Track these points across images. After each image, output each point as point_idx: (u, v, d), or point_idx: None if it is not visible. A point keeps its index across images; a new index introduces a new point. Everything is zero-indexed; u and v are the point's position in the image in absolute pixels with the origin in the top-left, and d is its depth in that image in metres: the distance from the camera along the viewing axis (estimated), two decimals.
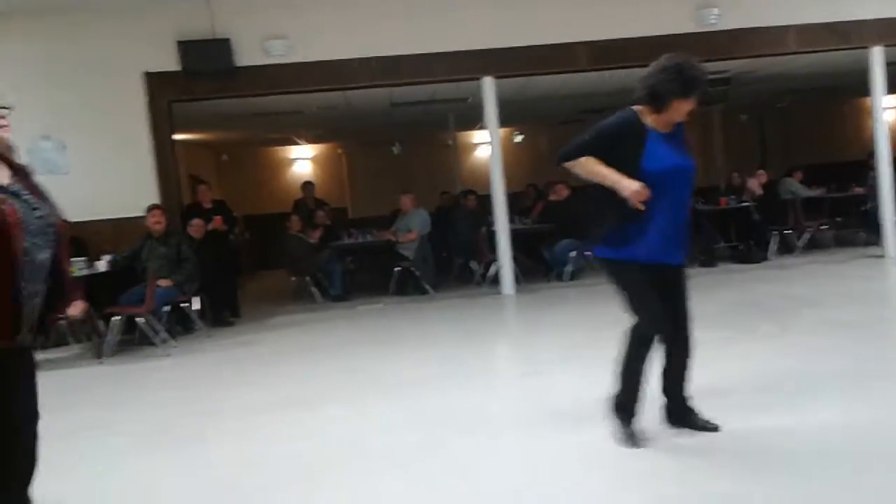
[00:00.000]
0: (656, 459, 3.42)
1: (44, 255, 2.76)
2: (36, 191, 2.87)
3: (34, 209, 2.77)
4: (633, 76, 11.19)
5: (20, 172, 2.88)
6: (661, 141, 3.45)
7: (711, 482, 3.13)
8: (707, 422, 3.72)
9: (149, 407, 5.23)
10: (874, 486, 2.98)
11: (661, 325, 3.51)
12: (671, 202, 3.40)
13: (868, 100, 10.23)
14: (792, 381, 4.41)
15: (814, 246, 10.72)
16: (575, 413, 4.19)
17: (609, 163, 3.40)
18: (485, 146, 13.91)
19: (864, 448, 3.35)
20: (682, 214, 3.50)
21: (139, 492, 3.59)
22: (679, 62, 3.41)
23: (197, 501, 3.41)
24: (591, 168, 3.44)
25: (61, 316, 3.21)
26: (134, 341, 7.41)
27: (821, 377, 4.44)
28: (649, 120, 3.48)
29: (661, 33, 9.15)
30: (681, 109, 3.42)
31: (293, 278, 10.64)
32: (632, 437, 3.59)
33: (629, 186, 3.29)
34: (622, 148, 3.41)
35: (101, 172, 8.67)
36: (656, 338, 3.52)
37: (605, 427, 3.90)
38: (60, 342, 7.86)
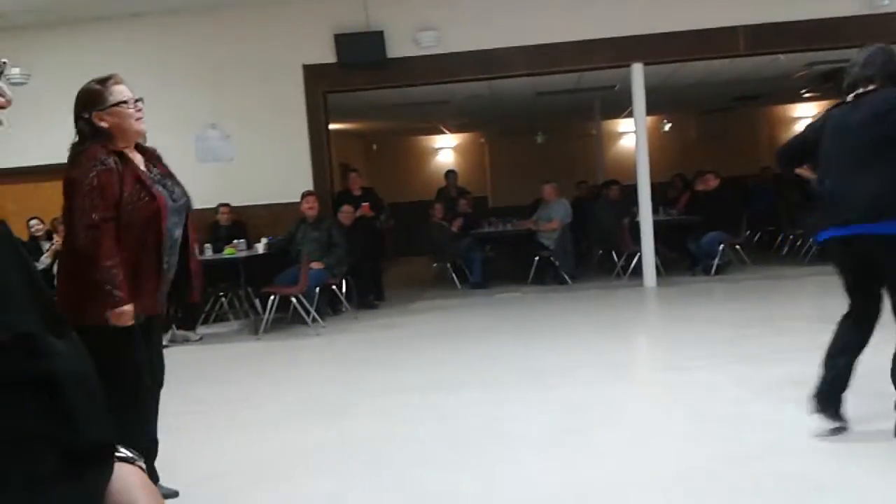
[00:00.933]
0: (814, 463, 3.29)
1: (178, 233, 3.18)
2: (169, 174, 3.25)
3: (171, 192, 3.17)
4: (794, 61, 10.62)
5: (153, 158, 3.24)
6: None
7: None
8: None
9: (300, 382, 5.57)
10: None
11: None
12: None
13: None
14: None
15: None
16: (715, 413, 4.10)
17: None
18: (630, 135, 13.64)
19: None
20: None
21: (289, 460, 3.83)
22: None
23: (341, 473, 3.60)
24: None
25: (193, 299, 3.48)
26: (287, 320, 7.85)
27: None
28: None
29: (829, 16, 8.63)
30: None
31: (434, 265, 10.89)
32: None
33: None
34: None
35: (261, 160, 9.22)
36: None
37: (743, 424, 3.80)
38: (222, 318, 8.47)
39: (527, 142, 16.11)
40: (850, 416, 3.57)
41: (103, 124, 3.01)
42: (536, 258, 9.88)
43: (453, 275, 10.23)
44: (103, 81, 3.05)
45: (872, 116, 3.34)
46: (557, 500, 3.10)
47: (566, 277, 9.73)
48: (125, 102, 3.04)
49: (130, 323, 2.98)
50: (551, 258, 9.80)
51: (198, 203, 9.62)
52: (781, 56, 9.59)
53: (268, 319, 7.53)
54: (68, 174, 2.99)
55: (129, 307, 2.96)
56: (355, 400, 4.90)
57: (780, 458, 3.37)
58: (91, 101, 3.03)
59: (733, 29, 8.74)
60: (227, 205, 8.86)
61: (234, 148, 9.31)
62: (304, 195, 8.29)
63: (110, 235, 2.93)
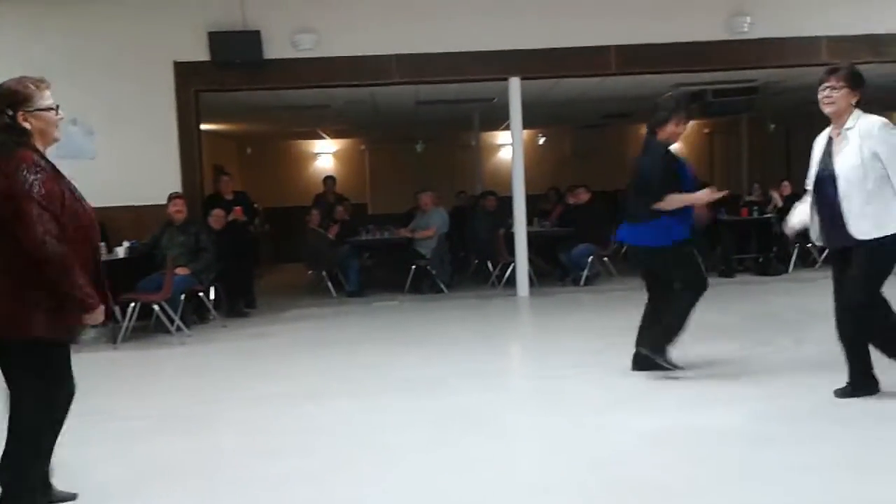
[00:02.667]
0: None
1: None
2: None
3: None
4: (663, 81, 11.14)
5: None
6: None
7: None
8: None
9: (159, 394, 5.27)
10: None
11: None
12: None
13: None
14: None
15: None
16: (581, 421, 4.18)
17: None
18: (507, 147, 13.89)
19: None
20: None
21: (142, 477, 3.60)
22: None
23: (201, 489, 3.42)
24: (679, 200, 4.78)
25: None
26: (150, 328, 7.45)
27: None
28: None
29: (693, 40, 9.09)
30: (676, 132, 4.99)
31: (310, 272, 10.68)
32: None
33: (701, 196, 4.94)
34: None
35: (126, 159, 8.75)
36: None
37: (612, 430, 3.89)
38: None
39: (407, 150, 16.11)
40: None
41: (27, 125, 2.94)
42: (413, 267, 9.86)
43: (329, 283, 10.05)
44: (36, 83, 3.01)
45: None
46: None
47: (442, 286, 9.76)
48: (53, 109, 3.03)
49: (101, 320, 3.02)
50: (428, 267, 9.81)
51: None
52: (649, 77, 10.01)
53: (128, 327, 7.13)
54: (7, 181, 2.84)
55: (101, 306, 2.98)
56: (220, 412, 4.68)
57: (639, 464, 3.46)
58: (18, 99, 2.95)
59: (606, 48, 9.06)
60: None
61: (96, 145, 8.79)
62: (171, 197, 7.92)
63: (65, 242, 2.86)
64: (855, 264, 4.07)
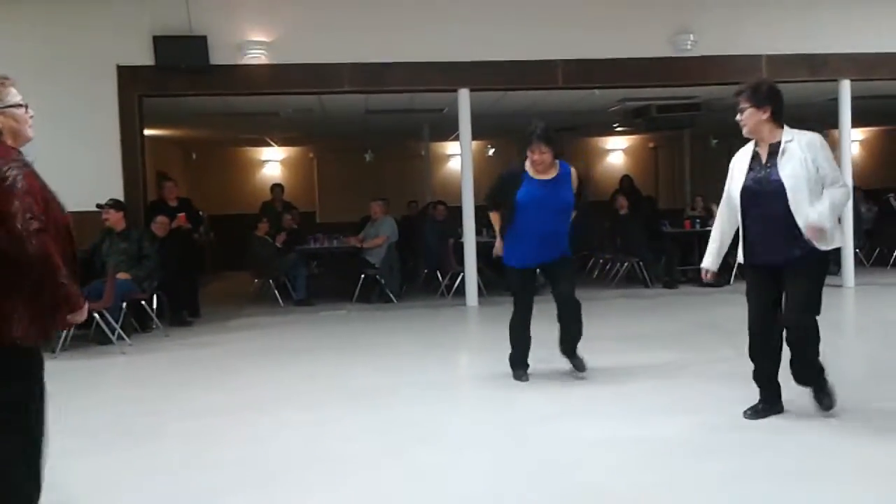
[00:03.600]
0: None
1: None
2: None
3: None
4: (609, 96, 11.33)
5: None
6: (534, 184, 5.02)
7: None
8: (582, 364, 5.21)
9: (100, 405, 5.12)
10: None
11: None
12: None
13: (836, 132, 10.43)
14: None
15: None
16: (529, 430, 4.19)
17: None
18: (457, 157, 13.94)
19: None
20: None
21: (83, 489, 3.50)
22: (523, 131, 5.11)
23: (141, 501, 3.33)
24: (494, 221, 5.25)
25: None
26: (89, 337, 7.25)
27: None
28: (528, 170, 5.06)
29: (638, 56, 9.28)
30: (532, 159, 5.01)
31: (256, 280, 10.54)
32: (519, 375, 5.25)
33: (497, 246, 5.20)
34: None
35: (67, 164, 8.41)
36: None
37: (558, 440, 3.92)
38: None
39: (357, 159, 16.03)
40: None
41: None
42: (363, 276, 9.81)
43: (276, 292, 9.93)
44: (2, 79, 2.86)
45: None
46: None
47: (391, 296, 9.73)
48: (22, 106, 2.88)
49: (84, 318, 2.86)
50: (377, 276, 9.77)
51: None
52: (596, 91, 10.18)
53: (66, 336, 6.92)
54: None
55: (86, 305, 2.84)
56: (161, 423, 4.57)
57: (587, 473, 3.49)
58: None
59: (553, 62, 9.19)
60: None
61: (36, 148, 8.49)
62: (102, 207, 7.70)
63: (51, 240, 2.67)
64: (799, 279, 3.99)
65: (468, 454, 3.88)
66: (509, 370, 5.36)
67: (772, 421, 4.14)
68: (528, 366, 5.30)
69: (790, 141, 4.05)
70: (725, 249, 4.32)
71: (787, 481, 3.31)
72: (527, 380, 5.17)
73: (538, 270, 5.28)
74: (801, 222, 3.95)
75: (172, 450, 4.07)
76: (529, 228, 4.97)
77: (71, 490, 3.52)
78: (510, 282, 5.24)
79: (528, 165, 5.03)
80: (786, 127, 4.10)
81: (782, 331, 4.11)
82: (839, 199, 3.99)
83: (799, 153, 3.99)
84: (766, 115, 4.05)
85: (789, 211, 3.96)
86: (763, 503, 3.11)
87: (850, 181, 9.98)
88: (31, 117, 2.97)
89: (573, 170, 5.16)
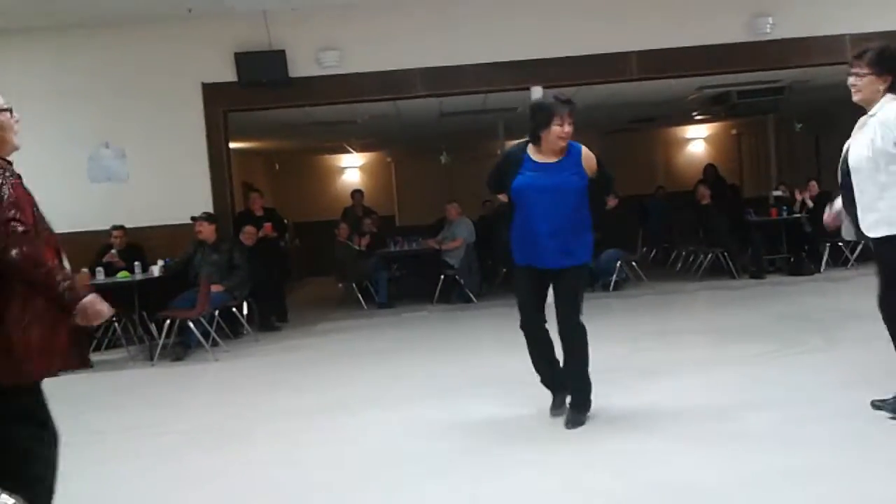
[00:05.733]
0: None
1: None
2: None
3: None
4: (687, 84, 11.07)
5: None
6: (535, 168, 4.13)
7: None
8: (569, 416, 4.20)
9: (197, 408, 5.39)
10: None
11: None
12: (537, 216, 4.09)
13: None
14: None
15: (867, 257, 10.42)
16: (613, 422, 4.19)
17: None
18: None
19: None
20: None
21: (185, 487, 3.71)
22: (534, 103, 4.37)
23: (238, 500, 3.50)
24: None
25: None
26: (184, 345, 7.57)
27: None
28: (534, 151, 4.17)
29: (714, 42, 9.07)
30: (550, 138, 4.08)
31: (340, 285, 10.80)
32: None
33: None
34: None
35: (158, 180, 8.94)
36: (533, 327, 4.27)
37: (644, 435, 3.90)
38: (115, 344, 8.12)
39: (433, 161, 16.20)
40: None
41: None
42: (442, 277, 9.93)
43: (359, 295, 10.15)
44: None
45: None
46: None
47: (471, 296, 9.81)
48: (7, 111, 2.75)
49: (109, 313, 2.71)
50: (456, 276, 9.87)
51: (90, 225, 9.30)
52: (672, 81, 10.00)
53: (164, 345, 7.27)
54: None
55: (98, 298, 2.64)
56: (254, 425, 4.77)
57: (674, 468, 3.46)
58: None
59: (627, 54, 9.08)
60: (121, 227, 8.52)
61: (128, 167, 9.00)
62: (195, 219, 8.05)
63: (42, 244, 2.58)
64: (876, 261, 3.89)
65: (562, 451, 3.89)
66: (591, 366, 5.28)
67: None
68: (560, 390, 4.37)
69: (873, 115, 3.78)
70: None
71: (876, 474, 3.22)
72: (552, 416, 4.31)
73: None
74: (860, 208, 3.77)
75: (263, 449, 4.23)
76: (529, 223, 4.11)
77: (165, 486, 3.73)
78: (515, 284, 4.38)
79: (531, 149, 4.16)
80: (886, 97, 3.76)
81: None
82: None
83: (873, 129, 3.73)
84: (884, 85, 3.75)
85: (859, 190, 3.78)
86: (852, 499, 3.04)
87: None
88: (17, 122, 2.78)
89: (584, 149, 4.18)
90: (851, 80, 3.82)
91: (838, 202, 4.04)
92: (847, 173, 3.86)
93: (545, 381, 4.41)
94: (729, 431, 3.93)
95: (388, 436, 4.32)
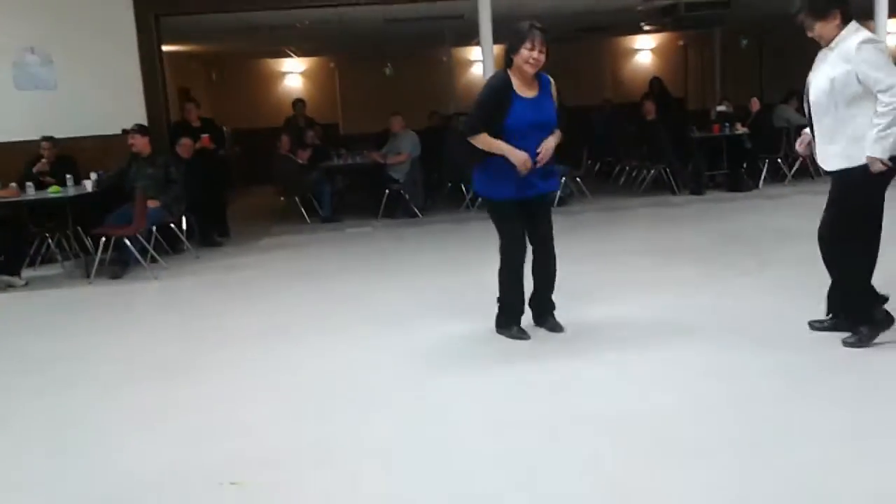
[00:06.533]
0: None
1: None
2: None
3: None
4: None
5: None
6: (524, 103, 4.21)
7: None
8: (557, 324, 4.55)
9: (137, 334, 5.31)
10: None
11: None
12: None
13: (871, 23, 9.99)
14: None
15: (804, 174, 10.68)
16: (552, 352, 4.28)
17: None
18: (481, 63, 13.67)
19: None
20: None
21: (127, 423, 3.68)
22: (510, 26, 4.28)
23: (186, 437, 3.50)
24: (489, 143, 4.21)
25: None
26: (122, 262, 7.40)
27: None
28: (515, 83, 4.22)
29: None
30: (518, 61, 4.17)
31: (282, 199, 10.62)
32: (517, 333, 4.47)
33: (518, 156, 4.16)
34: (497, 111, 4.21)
35: (88, 88, 8.55)
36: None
37: (580, 363, 3.99)
38: (51, 260, 7.90)
39: (378, 68, 15.78)
40: None
41: None
42: (387, 191, 9.83)
43: (302, 209, 10.01)
44: None
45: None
46: (419, 450, 3.16)
47: (416, 211, 9.77)
48: None
49: None
50: (401, 191, 9.79)
51: (18, 135, 8.89)
52: None
53: (102, 260, 7.10)
54: None
55: None
56: (198, 353, 4.73)
57: (607, 397, 3.57)
58: None
59: None
60: (50, 138, 8.14)
61: (56, 75, 8.55)
62: (127, 132, 7.73)
63: None
64: (830, 194, 3.96)
65: (493, 380, 3.96)
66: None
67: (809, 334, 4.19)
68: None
69: (832, 48, 3.79)
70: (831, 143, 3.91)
71: (809, 403, 3.38)
72: (528, 337, 4.47)
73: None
74: (818, 140, 3.88)
75: (210, 381, 4.20)
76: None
77: (107, 422, 3.70)
78: (492, 215, 4.43)
79: (514, 83, 4.21)
80: (848, 27, 3.76)
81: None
82: (886, 119, 3.62)
83: (832, 61, 3.77)
84: (836, 21, 3.77)
85: (817, 122, 3.87)
86: (784, 425, 3.18)
87: None
88: None
89: (552, 81, 4.36)
90: (809, 34, 3.85)
91: (808, 131, 4.11)
92: (807, 102, 3.94)
93: (518, 304, 4.55)
94: (662, 359, 4.05)
95: (330, 364, 4.34)
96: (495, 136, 4.19)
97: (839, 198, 3.94)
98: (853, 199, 3.89)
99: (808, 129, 4.11)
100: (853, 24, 3.78)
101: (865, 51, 3.68)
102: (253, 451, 3.24)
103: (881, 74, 3.65)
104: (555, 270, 4.54)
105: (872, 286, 3.99)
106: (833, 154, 3.86)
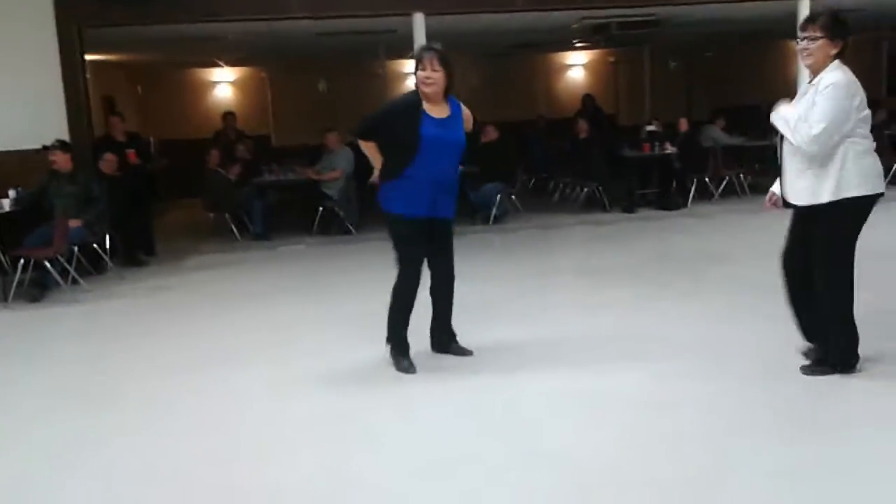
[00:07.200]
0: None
1: None
2: None
3: None
4: (569, 15, 10.98)
5: None
6: (435, 122, 4.23)
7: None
8: (464, 348, 4.58)
9: (57, 363, 5.05)
10: None
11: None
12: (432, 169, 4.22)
13: (793, 43, 10.34)
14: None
15: (731, 192, 10.96)
16: (489, 376, 4.23)
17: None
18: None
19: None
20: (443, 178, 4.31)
21: (37, 464, 3.47)
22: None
23: (104, 477, 3.31)
24: (372, 153, 4.33)
25: None
26: (41, 285, 7.04)
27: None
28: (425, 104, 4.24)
29: None
30: (417, 82, 4.22)
31: (211, 215, 10.34)
32: (407, 367, 4.38)
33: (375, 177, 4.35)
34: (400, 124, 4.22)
35: (7, 101, 8.16)
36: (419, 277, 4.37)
37: (515, 393, 3.94)
38: None
39: (311, 80, 15.56)
40: None
41: None
42: (320, 208, 9.67)
43: (232, 226, 9.76)
44: None
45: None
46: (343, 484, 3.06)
47: (350, 227, 9.64)
48: None
49: None
50: (335, 208, 9.65)
51: None
52: (555, 13, 9.92)
53: (20, 280, 6.76)
54: None
55: None
56: (118, 384, 4.53)
57: (546, 431, 3.53)
58: None
59: None
60: None
61: None
62: (48, 148, 7.40)
63: None
64: (816, 227, 3.88)
65: (429, 411, 3.89)
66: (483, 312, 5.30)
67: (742, 363, 4.22)
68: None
69: (813, 83, 3.82)
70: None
71: (742, 436, 3.40)
72: (415, 371, 4.36)
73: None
74: (788, 175, 3.89)
75: (128, 417, 4.02)
76: (424, 173, 4.18)
77: (21, 460, 3.48)
78: (397, 234, 4.32)
79: (425, 104, 4.22)
80: (833, 64, 3.80)
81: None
82: (800, 134, 3.71)
83: (810, 96, 3.80)
84: (835, 51, 3.79)
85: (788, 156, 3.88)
86: (723, 462, 3.20)
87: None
88: None
89: (464, 108, 4.41)
90: (803, 44, 3.83)
91: (775, 190, 4.11)
92: (781, 137, 3.92)
93: (406, 337, 4.49)
94: (596, 390, 4.02)
95: (261, 398, 4.20)
96: (406, 152, 4.17)
97: (828, 230, 3.85)
98: (839, 230, 3.84)
99: (775, 188, 4.11)
100: (836, 63, 3.81)
101: (830, 90, 3.72)
102: (169, 495, 3.09)
103: (820, 115, 3.69)
104: (452, 297, 4.55)
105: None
106: (800, 189, 3.86)
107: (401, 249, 4.35)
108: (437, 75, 4.17)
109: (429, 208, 4.29)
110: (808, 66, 3.88)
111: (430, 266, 4.48)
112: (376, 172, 4.34)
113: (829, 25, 3.79)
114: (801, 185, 3.86)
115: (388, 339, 4.48)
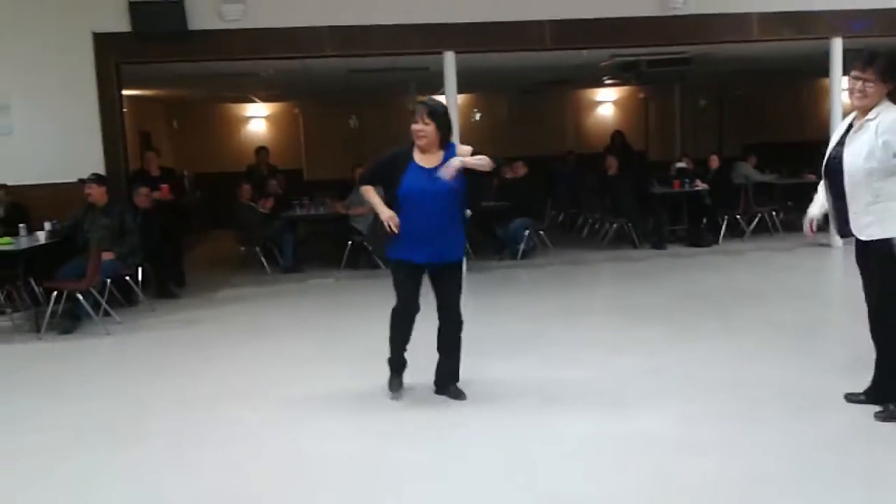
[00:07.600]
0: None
1: None
2: None
3: None
4: (598, 53, 11.11)
5: None
6: (419, 172, 4.33)
7: None
8: (459, 391, 4.56)
9: (84, 396, 5.09)
10: None
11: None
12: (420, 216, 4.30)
13: (826, 80, 10.29)
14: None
15: (763, 230, 10.86)
16: (512, 415, 4.19)
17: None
18: None
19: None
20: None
21: (68, 497, 3.50)
22: None
23: None
24: (369, 196, 4.49)
25: None
26: (74, 316, 7.15)
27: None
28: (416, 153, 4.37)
29: (625, 15, 9.08)
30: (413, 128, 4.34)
31: (242, 249, 10.46)
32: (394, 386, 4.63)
33: (383, 212, 4.34)
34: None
35: (45, 135, 8.40)
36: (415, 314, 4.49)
37: (536, 434, 3.89)
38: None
39: (342, 115, 15.80)
40: None
41: None
42: (349, 242, 9.74)
43: (263, 259, 9.86)
44: None
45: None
46: None
47: (379, 262, 9.67)
48: None
49: None
50: (364, 242, 9.69)
51: None
52: (584, 52, 10.00)
53: (53, 312, 6.86)
54: None
55: None
56: (146, 417, 4.56)
57: (562, 476, 3.49)
58: None
59: (540, 23, 8.98)
60: (3, 185, 7.95)
61: (12, 120, 8.38)
62: (84, 181, 7.56)
63: None
64: (869, 263, 3.91)
65: (443, 450, 3.87)
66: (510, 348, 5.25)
67: (772, 405, 4.14)
68: (404, 369, 4.70)
69: (871, 119, 3.80)
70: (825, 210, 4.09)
71: (768, 485, 3.33)
72: (399, 398, 4.59)
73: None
74: (852, 210, 3.84)
75: (154, 450, 4.05)
76: (412, 222, 4.29)
77: (47, 494, 3.51)
78: (393, 277, 4.50)
79: (416, 153, 4.37)
80: (883, 102, 3.81)
81: None
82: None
83: (872, 132, 3.77)
84: (888, 90, 3.81)
85: (851, 192, 3.84)
86: None
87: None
88: None
89: (464, 147, 4.43)
90: (858, 84, 3.80)
91: (819, 200, 4.14)
92: (833, 171, 3.91)
93: (400, 361, 4.67)
94: (618, 433, 3.94)
95: (286, 437, 4.19)
96: (394, 200, 4.35)
97: (880, 269, 3.86)
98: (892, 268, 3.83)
99: (812, 210, 4.14)
100: (888, 101, 3.84)
101: None
102: None
103: None
104: (459, 340, 4.56)
105: None
106: (866, 224, 3.83)
107: (397, 291, 4.52)
108: (428, 128, 4.32)
109: (428, 254, 4.37)
110: (858, 106, 3.86)
111: (438, 315, 4.54)
112: (382, 216, 4.34)
113: (887, 69, 3.79)
114: (867, 220, 3.82)
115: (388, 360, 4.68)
